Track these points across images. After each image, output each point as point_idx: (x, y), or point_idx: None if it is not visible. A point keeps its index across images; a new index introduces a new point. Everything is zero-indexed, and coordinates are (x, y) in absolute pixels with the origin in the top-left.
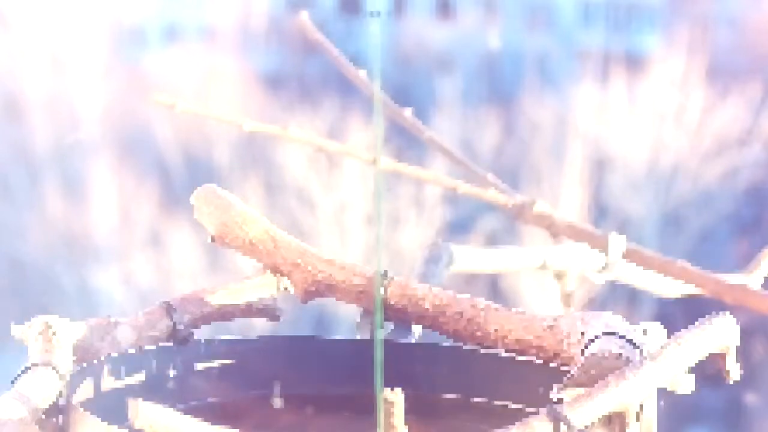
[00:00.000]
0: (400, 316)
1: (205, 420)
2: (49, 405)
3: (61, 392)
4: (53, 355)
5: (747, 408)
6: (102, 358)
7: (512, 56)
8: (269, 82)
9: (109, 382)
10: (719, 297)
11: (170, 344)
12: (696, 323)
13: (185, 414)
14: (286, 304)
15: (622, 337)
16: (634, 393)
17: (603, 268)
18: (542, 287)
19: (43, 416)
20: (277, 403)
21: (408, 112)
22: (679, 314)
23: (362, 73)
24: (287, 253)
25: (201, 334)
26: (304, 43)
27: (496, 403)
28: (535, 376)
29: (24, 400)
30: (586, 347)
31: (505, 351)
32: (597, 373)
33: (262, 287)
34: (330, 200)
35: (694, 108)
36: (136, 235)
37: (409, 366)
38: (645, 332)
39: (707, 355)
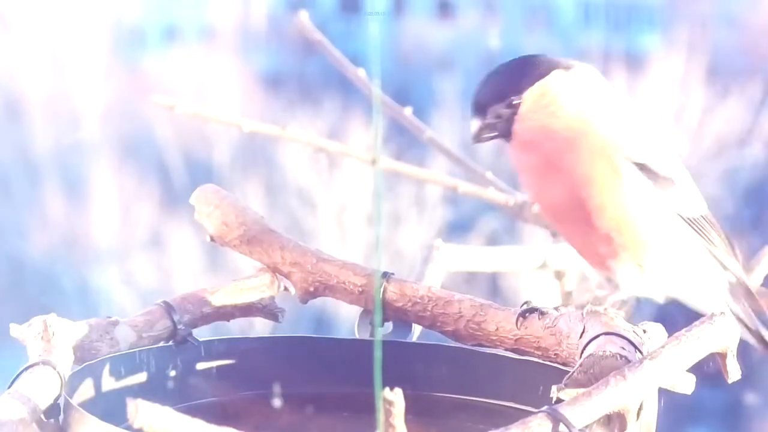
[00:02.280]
0: (400, 316)
1: (205, 420)
2: (49, 405)
3: (60, 392)
4: (53, 355)
5: (747, 408)
6: (102, 358)
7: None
8: (269, 82)
9: (109, 382)
10: None
11: (170, 344)
12: (696, 323)
13: (185, 414)
14: (286, 304)
15: (621, 336)
16: (634, 393)
17: None
18: (542, 287)
19: (43, 416)
20: (277, 403)
21: (408, 111)
22: (679, 314)
23: (362, 73)
24: (287, 253)
25: (201, 334)
26: (304, 43)
27: (496, 403)
28: (535, 376)
29: (24, 400)
30: (585, 347)
31: (505, 351)
32: (597, 372)
33: (262, 287)
34: (330, 200)
35: (694, 108)
36: (136, 235)
37: (409, 366)
38: (645, 332)
39: (707, 355)
